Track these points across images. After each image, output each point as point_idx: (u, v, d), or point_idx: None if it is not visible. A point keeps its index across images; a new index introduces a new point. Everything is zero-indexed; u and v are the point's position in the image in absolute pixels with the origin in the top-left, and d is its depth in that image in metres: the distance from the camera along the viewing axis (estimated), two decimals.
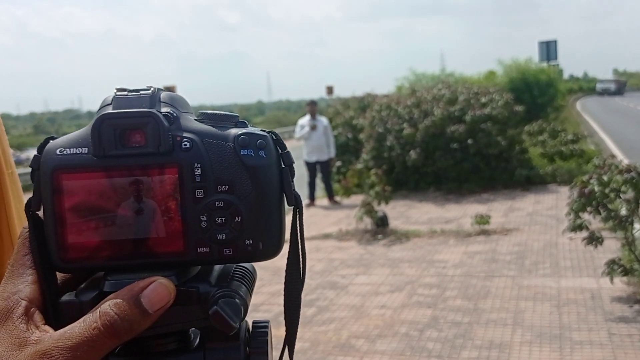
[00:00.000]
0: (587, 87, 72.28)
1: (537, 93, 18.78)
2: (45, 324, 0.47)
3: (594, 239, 4.86)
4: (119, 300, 0.46)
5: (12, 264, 0.50)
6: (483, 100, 10.65)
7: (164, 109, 0.51)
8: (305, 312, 5.05)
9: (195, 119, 0.54)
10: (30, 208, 0.51)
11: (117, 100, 0.52)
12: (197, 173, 0.50)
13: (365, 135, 11.05)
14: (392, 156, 10.38)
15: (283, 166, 0.54)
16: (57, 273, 0.51)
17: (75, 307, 0.48)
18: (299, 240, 0.55)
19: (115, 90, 0.53)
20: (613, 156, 6.07)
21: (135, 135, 0.50)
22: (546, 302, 4.92)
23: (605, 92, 60.55)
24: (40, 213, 0.51)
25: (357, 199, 9.07)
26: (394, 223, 8.05)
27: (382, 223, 7.73)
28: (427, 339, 4.31)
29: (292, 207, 0.55)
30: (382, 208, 7.98)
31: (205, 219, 0.50)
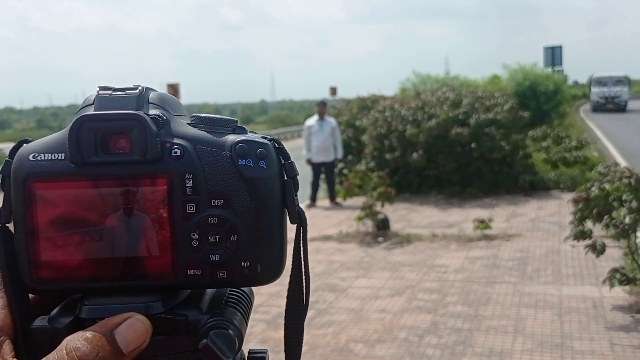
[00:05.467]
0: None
1: (543, 99, 18.70)
2: (15, 356, 0.41)
3: (596, 247, 4.81)
4: (90, 335, 0.40)
5: None
6: (487, 104, 10.60)
7: (153, 111, 0.46)
8: None
9: (189, 123, 0.48)
10: None
11: (99, 100, 0.46)
12: (188, 185, 0.44)
13: (367, 136, 11.01)
14: (393, 158, 10.32)
15: (286, 178, 0.49)
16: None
17: (48, 334, 0.43)
18: (302, 263, 0.50)
19: (98, 89, 0.47)
20: (617, 164, 6.02)
21: (119, 141, 0.44)
22: (547, 310, 4.87)
23: (602, 107, 33.84)
24: (11, 226, 0.45)
25: (359, 200, 9.02)
26: (395, 226, 8.00)
27: (383, 226, 7.69)
28: (427, 345, 4.26)
29: (295, 225, 0.50)
30: (384, 211, 7.93)
31: (196, 236, 0.44)
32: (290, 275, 0.49)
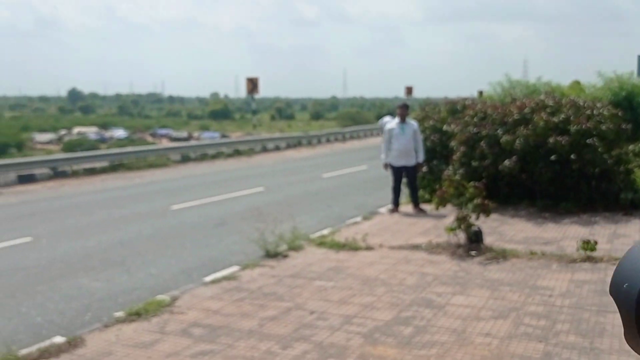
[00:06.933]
0: None
1: None
2: None
3: None
4: None
5: None
6: (588, 113, 9.94)
7: None
8: (401, 330, 4.76)
9: None
10: None
11: None
12: None
13: (455, 142, 10.58)
14: (484, 166, 9.86)
15: None
16: None
17: None
18: None
19: None
20: None
21: None
22: None
23: None
24: None
25: (445, 209, 8.63)
26: (487, 239, 7.60)
27: (476, 239, 7.31)
28: None
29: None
30: (475, 222, 7.54)
31: None
32: None
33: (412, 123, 10.28)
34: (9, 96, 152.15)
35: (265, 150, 25.61)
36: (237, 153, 23.80)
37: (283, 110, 74.51)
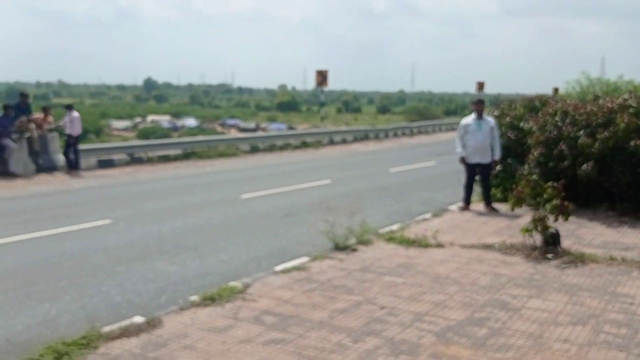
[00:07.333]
0: None
1: None
2: None
3: None
4: None
5: None
6: None
7: None
8: (475, 331, 4.66)
9: None
10: None
11: None
12: None
13: (533, 141, 10.22)
14: (562, 168, 9.48)
15: None
16: None
17: None
18: None
19: None
20: None
21: None
22: None
23: None
24: None
25: (518, 209, 8.34)
26: (565, 242, 7.30)
27: (553, 241, 7.05)
28: None
29: None
30: (552, 224, 7.27)
31: None
32: None
33: (489, 119, 10.02)
34: (89, 84, 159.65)
35: (332, 142, 25.69)
36: (305, 145, 23.99)
37: (350, 103, 74.45)
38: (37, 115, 15.86)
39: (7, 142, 14.39)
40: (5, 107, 15.07)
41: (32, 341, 4.76)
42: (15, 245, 7.93)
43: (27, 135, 15.02)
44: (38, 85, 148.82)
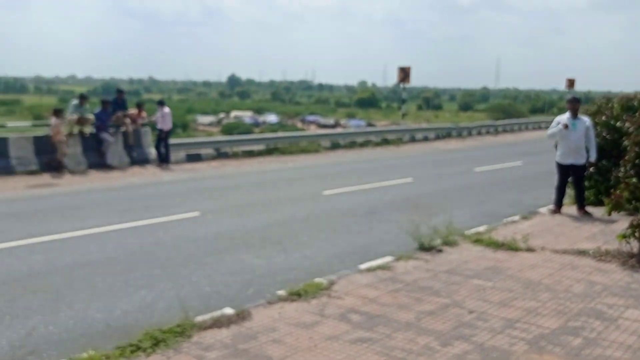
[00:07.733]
0: None
1: None
2: None
3: None
4: None
5: None
6: None
7: None
8: (570, 341, 4.48)
9: None
10: None
11: None
12: None
13: (630, 142, 9.65)
14: None
15: None
16: None
17: None
18: None
19: None
20: None
21: None
22: None
23: None
24: None
25: (615, 214, 7.92)
26: None
27: None
28: None
29: None
30: None
31: None
32: None
33: (585, 119, 9.55)
34: (177, 80, 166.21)
35: (413, 140, 25.39)
36: (385, 142, 23.85)
37: (430, 100, 73.29)
38: (132, 110, 16.71)
39: (105, 135, 15.26)
40: (103, 103, 15.99)
41: (130, 326, 5.03)
42: (114, 234, 8.40)
43: (122, 129, 15.88)
44: (130, 81, 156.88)
